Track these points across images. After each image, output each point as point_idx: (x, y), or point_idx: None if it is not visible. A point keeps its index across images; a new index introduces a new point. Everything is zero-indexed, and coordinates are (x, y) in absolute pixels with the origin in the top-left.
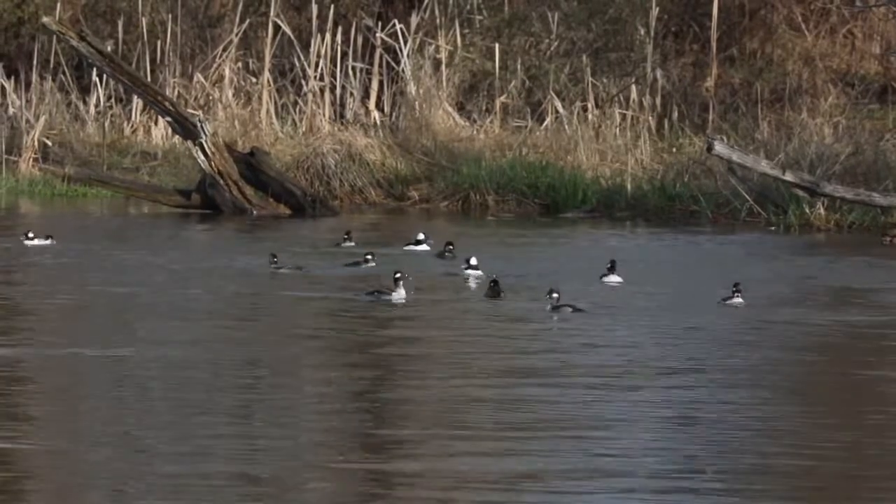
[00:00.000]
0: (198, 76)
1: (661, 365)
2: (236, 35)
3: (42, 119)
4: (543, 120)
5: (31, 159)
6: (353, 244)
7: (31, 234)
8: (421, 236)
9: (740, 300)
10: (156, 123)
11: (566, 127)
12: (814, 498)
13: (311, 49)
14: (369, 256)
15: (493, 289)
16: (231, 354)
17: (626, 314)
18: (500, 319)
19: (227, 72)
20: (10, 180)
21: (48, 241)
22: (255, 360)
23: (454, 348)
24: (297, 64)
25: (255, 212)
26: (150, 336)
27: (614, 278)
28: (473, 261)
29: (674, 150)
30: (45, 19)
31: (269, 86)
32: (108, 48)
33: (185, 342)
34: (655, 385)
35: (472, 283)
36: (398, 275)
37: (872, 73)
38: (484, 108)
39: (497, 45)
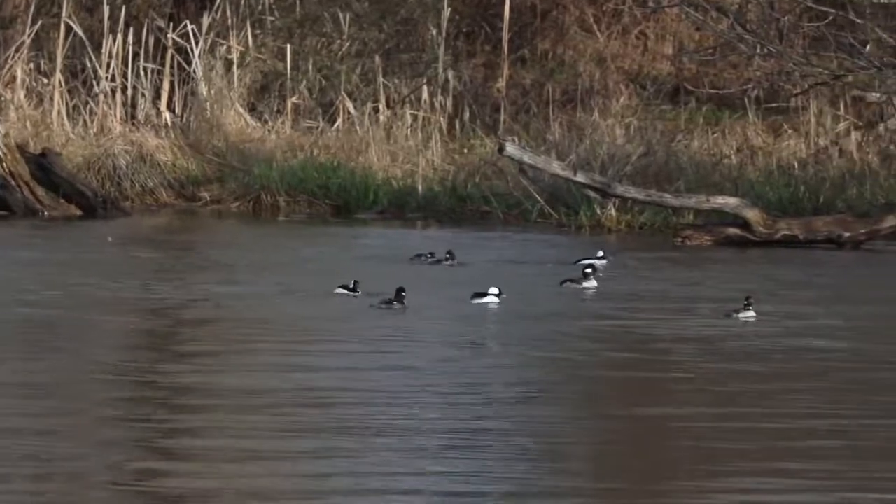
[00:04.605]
0: None
1: None
2: (28, 36)
3: None
4: (335, 121)
5: None
6: None
7: None
8: (600, 253)
9: None
10: None
11: (357, 128)
12: None
13: (103, 50)
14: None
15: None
16: None
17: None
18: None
19: (19, 73)
20: None
21: None
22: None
23: None
24: (89, 65)
25: (46, 213)
26: None
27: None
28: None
29: (465, 150)
30: None
31: (61, 87)
32: None
33: None
34: None
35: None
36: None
37: (665, 74)
38: (275, 108)
39: (289, 46)
